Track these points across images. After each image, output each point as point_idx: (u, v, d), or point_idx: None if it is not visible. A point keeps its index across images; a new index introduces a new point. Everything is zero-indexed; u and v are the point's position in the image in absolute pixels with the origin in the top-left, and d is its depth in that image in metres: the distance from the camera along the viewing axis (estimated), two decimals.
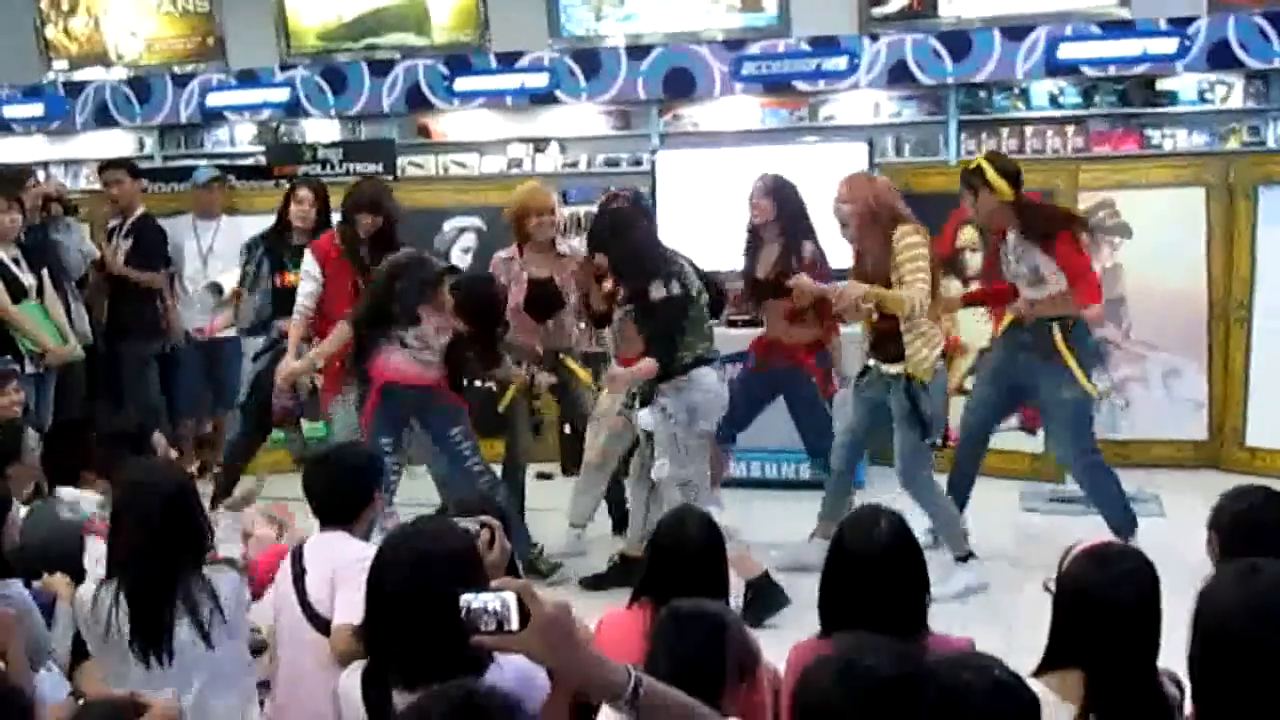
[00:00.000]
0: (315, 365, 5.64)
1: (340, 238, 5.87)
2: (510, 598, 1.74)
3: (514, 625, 1.74)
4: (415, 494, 5.87)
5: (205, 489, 5.59)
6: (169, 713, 2.44)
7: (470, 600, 1.75)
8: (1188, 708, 2.46)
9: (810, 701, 1.67)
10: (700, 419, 5.23)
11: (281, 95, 10.46)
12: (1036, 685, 2.27)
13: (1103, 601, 2.48)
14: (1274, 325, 6.96)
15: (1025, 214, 5.49)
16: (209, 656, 2.97)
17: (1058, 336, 5.50)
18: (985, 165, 5.52)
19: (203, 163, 8.87)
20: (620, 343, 5.48)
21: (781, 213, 5.78)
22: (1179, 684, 2.55)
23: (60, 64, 11.16)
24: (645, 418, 5.23)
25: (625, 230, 5.33)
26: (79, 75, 11.08)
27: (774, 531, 6.01)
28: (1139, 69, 9.12)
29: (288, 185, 6.82)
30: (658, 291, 5.14)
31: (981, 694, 1.79)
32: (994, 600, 5.25)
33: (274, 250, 6.48)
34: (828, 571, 2.92)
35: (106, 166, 7.75)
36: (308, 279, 5.81)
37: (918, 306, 5.16)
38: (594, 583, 5.53)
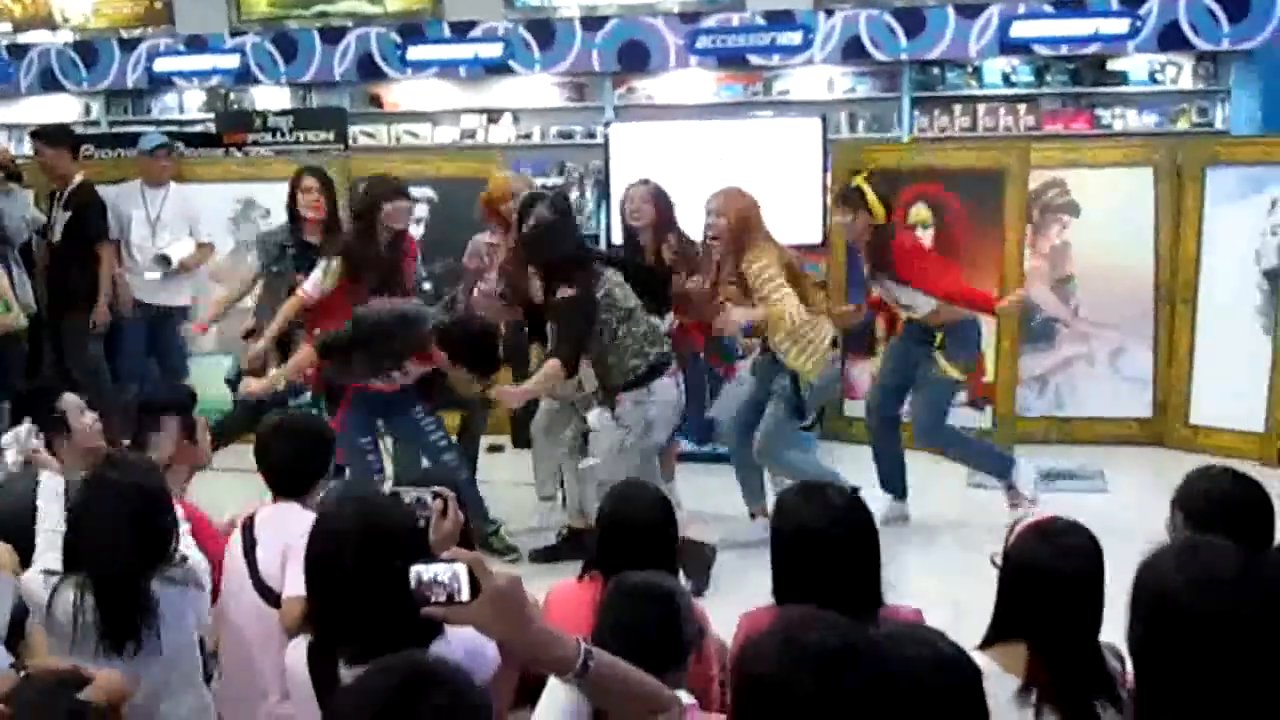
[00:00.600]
0: (277, 385, 5.47)
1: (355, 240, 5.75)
2: (461, 569, 1.74)
3: (464, 597, 1.73)
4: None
5: None
6: (113, 684, 2.42)
7: (421, 571, 1.74)
8: (1128, 679, 2.50)
9: (753, 674, 1.67)
10: (656, 431, 5.22)
11: (231, 62, 10.33)
12: (980, 658, 2.30)
13: (1049, 575, 2.51)
14: (1219, 305, 7.04)
15: (874, 249, 5.73)
16: (156, 659, 2.89)
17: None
18: (865, 188, 5.67)
19: (150, 129, 8.74)
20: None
21: (659, 218, 5.81)
22: (1120, 657, 2.58)
23: (4, 27, 10.96)
24: (595, 419, 5.22)
25: (546, 239, 5.30)
26: (23, 38, 10.89)
27: (704, 504, 6.03)
28: (1090, 49, 9.21)
29: (293, 175, 6.32)
30: (563, 291, 5.10)
31: (924, 667, 1.80)
32: (940, 573, 5.30)
33: (300, 253, 6.14)
34: (777, 546, 2.91)
35: (33, 136, 7.61)
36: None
37: (796, 317, 5.27)
38: (546, 555, 5.54)
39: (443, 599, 1.73)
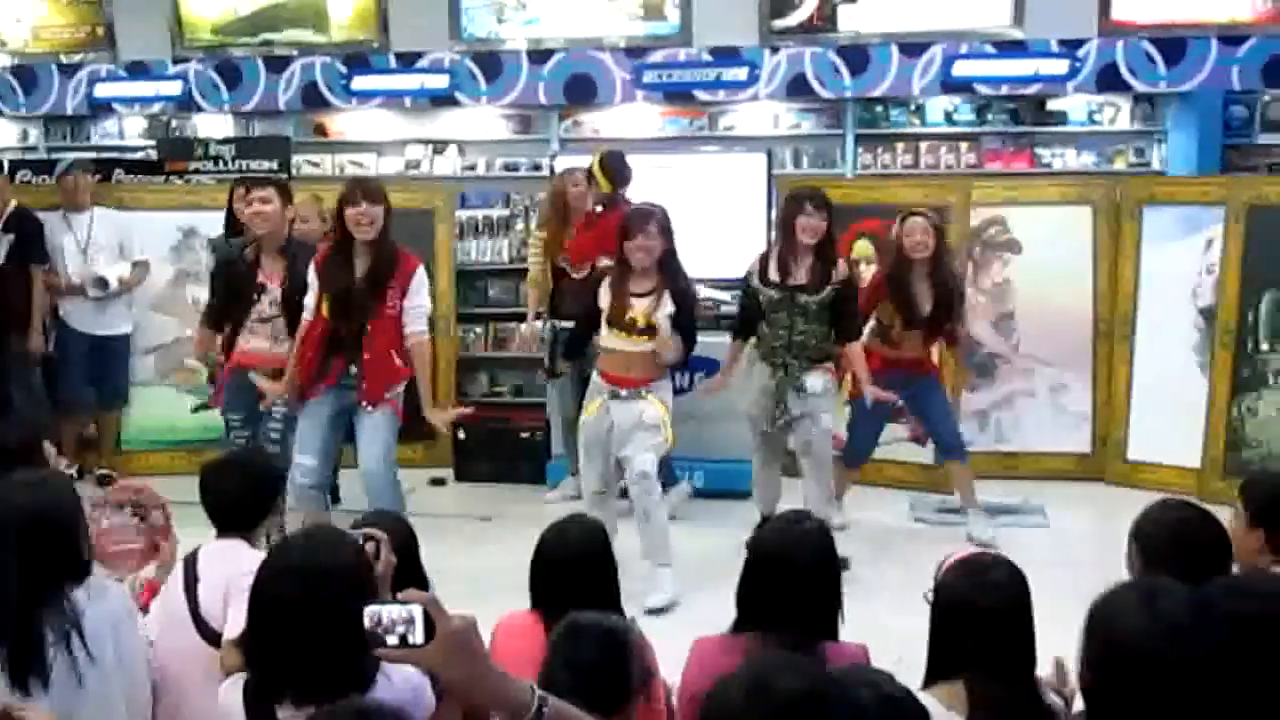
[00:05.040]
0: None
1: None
2: (417, 610, 1.71)
3: (419, 639, 1.70)
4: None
5: (84, 493, 5.39)
6: None
7: (376, 612, 1.71)
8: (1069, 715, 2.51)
9: (718, 717, 1.67)
10: None
11: (173, 89, 10.23)
12: (925, 698, 2.29)
13: (973, 611, 2.52)
14: (1156, 342, 7.15)
15: None
16: (84, 694, 2.73)
17: None
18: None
19: (89, 155, 8.64)
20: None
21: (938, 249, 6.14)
22: (1060, 693, 2.59)
23: None
24: (818, 384, 5.74)
25: None
26: None
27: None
28: (1031, 89, 9.34)
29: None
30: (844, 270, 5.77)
31: (873, 710, 1.80)
32: (883, 609, 5.31)
33: None
34: (747, 572, 2.96)
35: None
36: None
37: None
38: None
39: (397, 640, 1.71)
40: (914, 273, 6.08)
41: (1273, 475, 3.37)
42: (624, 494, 5.62)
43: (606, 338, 5.48)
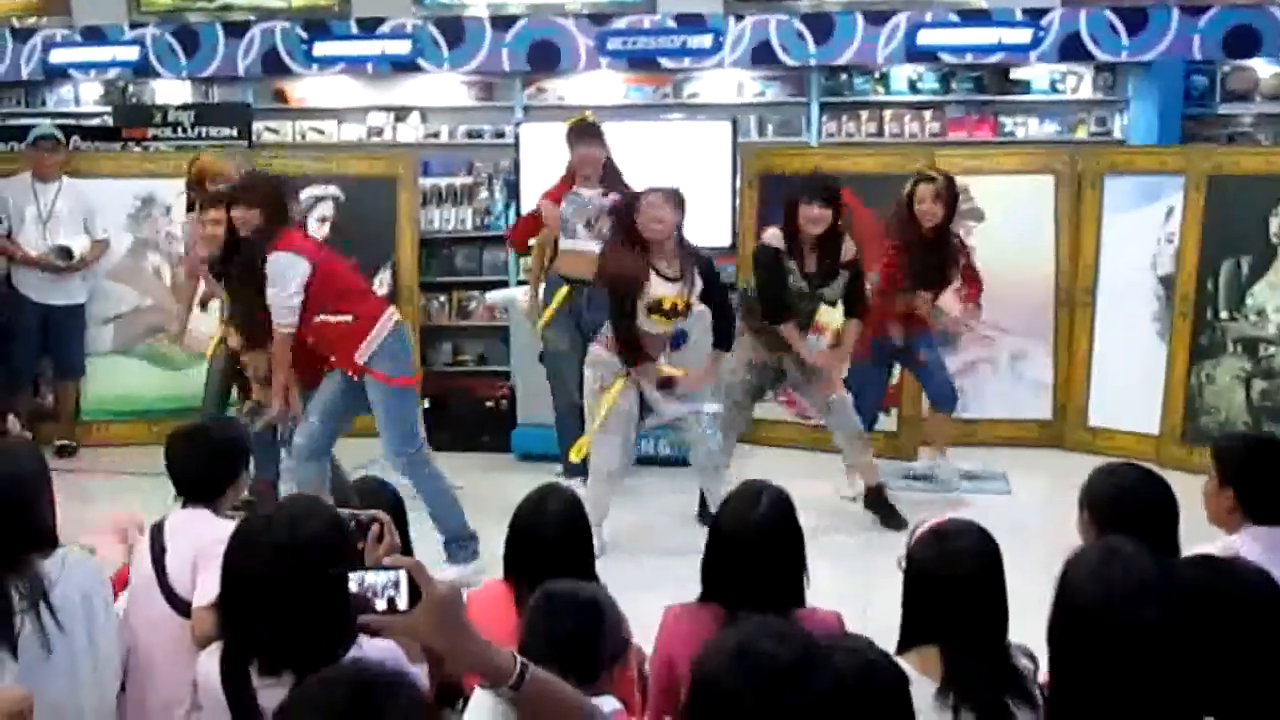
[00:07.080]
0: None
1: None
2: (403, 576, 1.71)
3: (404, 605, 1.70)
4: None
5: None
6: (18, 704, 2.33)
7: (361, 577, 1.71)
8: (1042, 678, 2.55)
9: (706, 685, 1.68)
10: None
11: (130, 54, 10.07)
12: (900, 663, 2.32)
13: (943, 577, 2.55)
14: (1116, 310, 7.21)
15: None
16: (53, 663, 2.72)
17: None
18: None
19: (46, 122, 8.51)
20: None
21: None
22: (1030, 655, 2.62)
23: None
24: (815, 342, 5.77)
25: None
26: None
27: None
28: (994, 58, 9.36)
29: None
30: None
31: (858, 676, 1.82)
32: (853, 574, 5.35)
33: None
34: (710, 543, 2.98)
35: None
36: None
37: None
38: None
39: (383, 607, 1.70)
40: (922, 239, 6.20)
41: (1243, 436, 3.42)
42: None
43: (643, 320, 5.42)
